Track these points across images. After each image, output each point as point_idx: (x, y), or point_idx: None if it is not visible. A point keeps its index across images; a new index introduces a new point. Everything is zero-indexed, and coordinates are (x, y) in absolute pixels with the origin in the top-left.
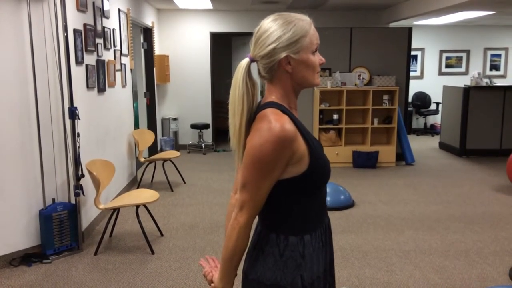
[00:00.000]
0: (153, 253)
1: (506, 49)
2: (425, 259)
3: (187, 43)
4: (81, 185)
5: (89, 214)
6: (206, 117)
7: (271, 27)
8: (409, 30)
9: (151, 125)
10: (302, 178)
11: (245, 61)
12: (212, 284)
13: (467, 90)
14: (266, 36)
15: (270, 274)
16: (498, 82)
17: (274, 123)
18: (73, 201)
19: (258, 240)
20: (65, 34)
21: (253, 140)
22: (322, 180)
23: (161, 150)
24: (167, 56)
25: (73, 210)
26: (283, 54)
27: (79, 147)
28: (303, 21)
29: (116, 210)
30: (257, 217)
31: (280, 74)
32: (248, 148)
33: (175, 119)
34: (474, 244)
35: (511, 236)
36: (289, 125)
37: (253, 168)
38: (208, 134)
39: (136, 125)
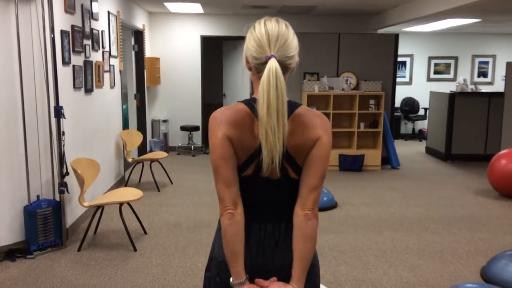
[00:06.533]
0: (135, 250)
1: (493, 56)
2: (400, 258)
3: (178, 46)
4: (65, 182)
5: (74, 212)
6: (196, 119)
7: (290, 33)
8: (395, 37)
9: (141, 127)
10: None
11: (275, 61)
12: None
13: (452, 96)
14: (291, 40)
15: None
16: (485, 89)
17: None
18: (57, 198)
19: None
20: (52, 35)
21: (328, 138)
22: None
23: (151, 151)
24: (158, 59)
25: (58, 207)
26: (297, 59)
27: (64, 145)
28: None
29: (100, 208)
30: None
31: (285, 78)
32: (327, 144)
33: (165, 121)
34: (450, 245)
35: (486, 238)
36: None
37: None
38: (198, 136)
39: (126, 126)
